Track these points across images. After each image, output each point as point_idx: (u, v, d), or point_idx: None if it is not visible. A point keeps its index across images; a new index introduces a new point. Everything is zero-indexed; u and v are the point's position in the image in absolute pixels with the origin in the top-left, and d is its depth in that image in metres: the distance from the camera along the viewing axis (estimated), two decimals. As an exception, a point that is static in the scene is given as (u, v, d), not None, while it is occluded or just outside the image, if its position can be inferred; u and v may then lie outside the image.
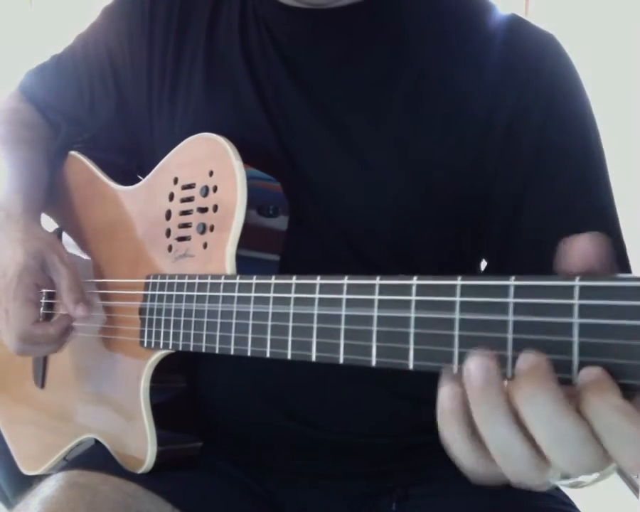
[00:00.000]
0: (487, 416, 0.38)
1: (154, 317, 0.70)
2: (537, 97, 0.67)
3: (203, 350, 0.63)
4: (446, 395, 0.40)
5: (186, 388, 0.76)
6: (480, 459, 0.39)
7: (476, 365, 0.38)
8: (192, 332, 0.64)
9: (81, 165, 0.88)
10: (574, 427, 0.35)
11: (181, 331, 0.66)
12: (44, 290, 0.79)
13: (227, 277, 0.61)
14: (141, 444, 0.72)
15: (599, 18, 2.28)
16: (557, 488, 0.75)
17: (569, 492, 0.75)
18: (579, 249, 0.38)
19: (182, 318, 0.66)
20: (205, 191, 0.67)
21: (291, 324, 0.53)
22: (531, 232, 0.67)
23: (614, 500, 2.03)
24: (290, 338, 0.53)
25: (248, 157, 0.66)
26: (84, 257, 0.85)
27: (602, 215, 0.67)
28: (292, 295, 0.53)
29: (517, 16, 0.71)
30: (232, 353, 0.59)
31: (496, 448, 0.38)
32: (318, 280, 0.51)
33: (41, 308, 0.79)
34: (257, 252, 0.66)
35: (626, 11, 2.16)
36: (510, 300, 0.39)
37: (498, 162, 0.67)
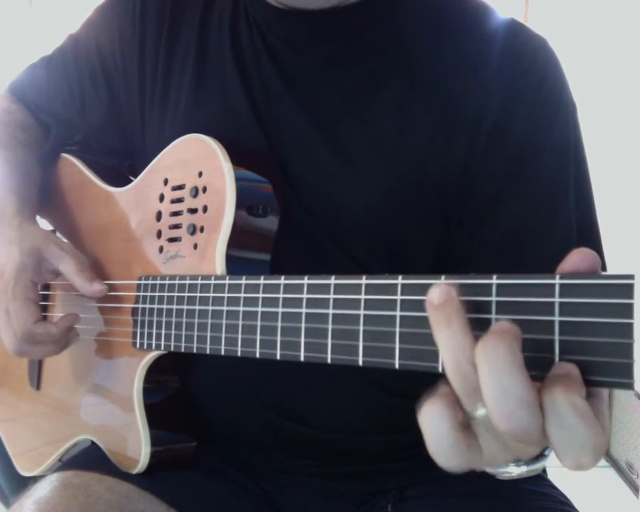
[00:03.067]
0: (444, 320, 0.39)
1: (146, 318, 0.70)
2: (523, 100, 0.66)
3: (194, 351, 0.63)
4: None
5: (180, 388, 0.76)
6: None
7: (435, 289, 0.40)
8: (183, 333, 0.64)
9: (73, 167, 0.89)
10: (520, 385, 0.36)
11: (172, 332, 0.66)
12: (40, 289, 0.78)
13: (217, 278, 0.61)
14: (135, 444, 0.72)
15: (599, 22, 2.28)
16: (554, 487, 0.75)
17: (568, 492, 0.75)
18: (570, 263, 0.38)
19: (173, 319, 0.66)
20: (195, 192, 0.67)
21: (279, 324, 0.53)
22: (492, 244, 0.68)
23: (614, 500, 2.03)
24: (279, 339, 0.53)
25: (237, 158, 0.66)
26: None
27: (570, 229, 0.67)
28: (281, 295, 0.53)
29: (516, 21, 0.71)
30: (222, 353, 0.60)
31: (445, 347, 0.39)
32: (306, 280, 0.51)
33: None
34: (247, 252, 0.66)
35: (626, 15, 2.16)
36: (493, 298, 0.39)
37: (480, 163, 0.67)
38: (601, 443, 0.35)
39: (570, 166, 0.68)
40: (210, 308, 0.61)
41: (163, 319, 0.67)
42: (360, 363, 0.47)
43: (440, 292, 0.40)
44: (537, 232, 0.67)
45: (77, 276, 0.74)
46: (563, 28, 2.23)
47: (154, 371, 0.72)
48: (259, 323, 0.55)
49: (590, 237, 0.69)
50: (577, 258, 0.38)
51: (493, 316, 0.39)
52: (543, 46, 0.69)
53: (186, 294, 0.64)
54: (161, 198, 0.72)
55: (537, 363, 0.37)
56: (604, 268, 0.66)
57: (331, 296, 0.49)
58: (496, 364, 0.36)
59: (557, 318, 0.36)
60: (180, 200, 0.70)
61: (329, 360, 0.50)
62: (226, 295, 0.59)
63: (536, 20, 2.35)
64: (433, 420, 0.39)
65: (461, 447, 0.39)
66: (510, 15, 0.72)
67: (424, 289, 0.43)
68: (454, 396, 0.40)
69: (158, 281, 0.69)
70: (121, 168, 0.87)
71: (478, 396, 0.38)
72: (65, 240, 0.87)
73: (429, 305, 0.40)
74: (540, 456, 0.43)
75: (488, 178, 0.67)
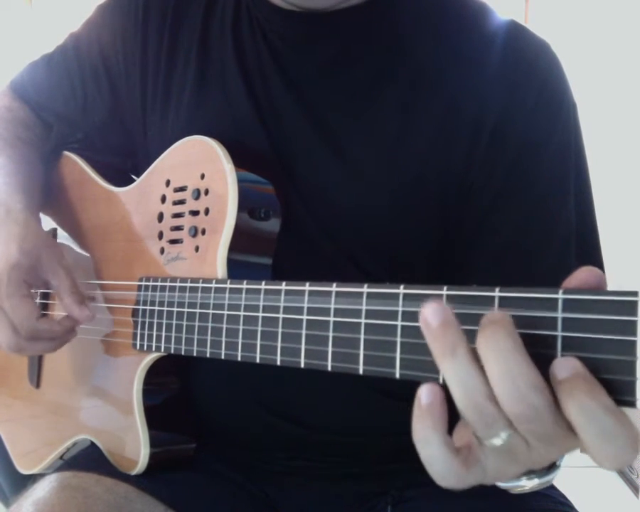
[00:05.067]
0: (449, 350, 0.38)
1: (147, 320, 0.70)
2: (525, 102, 0.66)
3: (195, 354, 0.63)
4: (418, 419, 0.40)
5: (180, 390, 0.76)
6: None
7: (430, 309, 0.38)
8: (183, 336, 0.64)
9: (75, 165, 0.88)
10: (525, 366, 0.36)
11: (173, 335, 0.66)
12: (38, 290, 0.78)
13: (218, 281, 0.61)
14: (134, 445, 0.72)
15: (599, 22, 2.27)
16: (554, 488, 0.75)
17: (568, 492, 0.75)
18: (577, 279, 0.38)
19: (173, 322, 0.66)
20: (197, 194, 0.67)
21: (280, 330, 0.53)
22: (492, 247, 0.68)
23: (614, 500, 2.03)
24: (279, 345, 0.53)
25: (240, 159, 0.65)
26: (80, 256, 0.85)
27: (569, 234, 0.67)
28: (282, 303, 0.53)
29: (516, 22, 0.71)
30: (222, 357, 0.60)
31: (455, 382, 0.38)
32: (307, 287, 0.51)
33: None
34: (249, 255, 0.66)
35: (626, 15, 2.15)
36: (495, 311, 0.39)
37: (481, 165, 0.67)
38: (637, 433, 0.35)
39: (571, 168, 0.68)
40: (211, 311, 0.61)
41: (164, 321, 0.67)
42: (361, 371, 0.47)
43: (437, 314, 0.39)
44: (537, 236, 0.67)
45: (68, 296, 0.73)
46: (563, 29, 2.23)
47: (154, 372, 0.72)
48: (259, 329, 0.55)
49: (589, 242, 0.69)
50: (584, 275, 0.38)
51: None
52: (545, 48, 0.69)
53: (187, 296, 0.64)
54: (163, 199, 0.72)
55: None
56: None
57: (332, 306, 0.49)
58: (499, 350, 0.36)
59: (559, 333, 0.36)
60: (182, 202, 0.70)
61: (329, 368, 0.50)
62: (227, 301, 0.59)
63: (536, 20, 2.34)
64: (426, 445, 0.39)
65: (457, 470, 0.39)
66: (510, 15, 0.72)
67: (425, 300, 0.43)
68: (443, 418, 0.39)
69: (159, 283, 0.69)
70: (123, 167, 0.86)
71: (496, 427, 0.38)
72: (67, 242, 0.87)
73: (426, 326, 0.39)
74: (552, 467, 0.43)
75: (488, 180, 0.67)
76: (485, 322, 0.38)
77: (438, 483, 0.40)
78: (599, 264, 0.68)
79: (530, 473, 0.44)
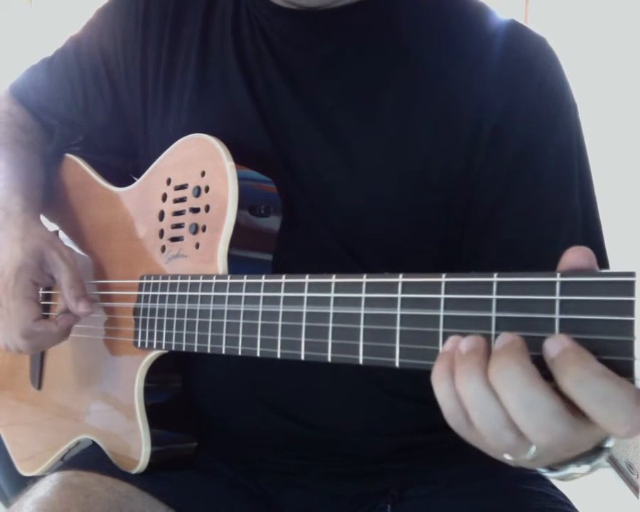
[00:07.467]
0: (465, 375, 0.39)
1: (147, 317, 0.70)
2: (524, 101, 0.67)
3: (195, 350, 0.63)
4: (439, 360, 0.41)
5: (181, 388, 0.76)
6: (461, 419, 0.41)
7: (468, 339, 0.40)
8: (184, 332, 0.64)
9: (76, 167, 0.89)
10: (543, 397, 0.36)
11: (174, 332, 0.66)
12: (42, 288, 0.78)
13: (218, 277, 0.61)
14: (135, 444, 0.72)
15: (599, 22, 2.28)
16: (554, 487, 0.75)
17: (568, 492, 0.75)
18: (566, 263, 0.38)
19: (174, 319, 0.66)
20: (198, 192, 0.68)
21: (280, 323, 0.54)
22: (500, 243, 0.68)
23: (614, 500, 2.03)
24: (280, 338, 0.54)
25: (240, 157, 0.66)
26: (82, 256, 0.86)
27: (575, 229, 0.68)
28: (282, 294, 0.54)
29: (515, 22, 0.71)
30: (223, 352, 0.60)
31: (471, 405, 0.39)
32: (307, 279, 0.52)
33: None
34: (249, 252, 0.66)
35: (626, 15, 2.16)
36: (494, 296, 0.39)
37: (483, 164, 0.67)
38: (637, 391, 0.35)
39: (574, 164, 0.68)
40: (212, 307, 0.61)
41: (165, 318, 0.67)
42: (361, 361, 0.47)
43: (469, 341, 0.40)
44: (543, 234, 0.67)
45: (67, 290, 0.75)
46: (563, 28, 2.23)
47: (155, 371, 0.72)
48: (260, 322, 0.55)
49: (592, 235, 0.69)
50: (572, 257, 0.38)
51: (494, 314, 0.39)
52: (543, 46, 0.70)
53: (188, 293, 0.64)
54: (164, 197, 0.72)
55: (537, 361, 0.37)
56: (606, 265, 0.66)
57: (332, 294, 0.49)
58: (514, 384, 0.36)
59: (557, 316, 0.37)
60: (182, 200, 0.70)
61: (330, 359, 0.50)
62: (227, 294, 0.59)
63: (536, 20, 2.35)
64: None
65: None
66: (510, 15, 0.72)
67: (423, 287, 0.43)
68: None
69: (160, 281, 0.69)
70: (124, 169, 0.87)
71: (521, 451, 0.39)
72: (69, 242, 0.88)
73: (457, 352, 0.40)
74: (599, 449, 0.42)
75: (492, 179, 0.67)
76: (497, 349, 0.38)
77: (449, 423, 0.41)
78: (603, 259, 0.68)
79: (577, 460, 0.43)
